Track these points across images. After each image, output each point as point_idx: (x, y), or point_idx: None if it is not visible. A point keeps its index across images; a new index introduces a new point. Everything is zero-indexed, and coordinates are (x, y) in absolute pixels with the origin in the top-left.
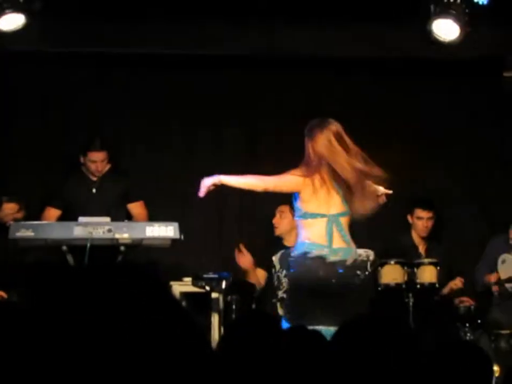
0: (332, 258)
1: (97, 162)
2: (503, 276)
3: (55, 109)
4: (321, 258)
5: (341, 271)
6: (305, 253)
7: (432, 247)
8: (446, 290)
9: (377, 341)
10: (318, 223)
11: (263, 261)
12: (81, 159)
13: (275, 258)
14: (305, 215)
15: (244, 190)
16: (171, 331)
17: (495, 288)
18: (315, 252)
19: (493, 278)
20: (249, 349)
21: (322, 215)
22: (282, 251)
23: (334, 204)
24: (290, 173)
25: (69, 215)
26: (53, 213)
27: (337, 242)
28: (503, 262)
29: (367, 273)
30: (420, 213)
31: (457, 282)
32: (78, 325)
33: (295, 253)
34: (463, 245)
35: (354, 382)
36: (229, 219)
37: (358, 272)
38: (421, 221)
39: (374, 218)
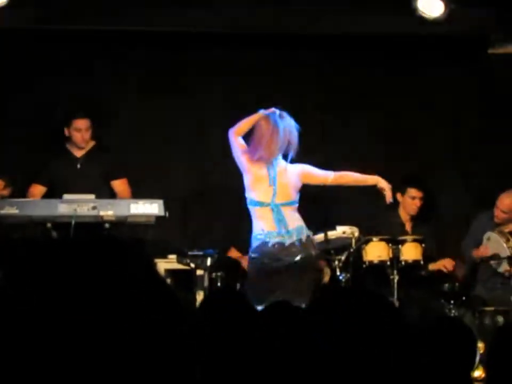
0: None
1: (82, 130)
2: (489, 253)
3: (38, 85)
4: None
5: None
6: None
7: (419, 225)
8: (434, 267)
9: (356, 313)
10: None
11: (243, 240)
12: (66, 132)
13: None
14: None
15: (226, 167)
16: (155, 306)
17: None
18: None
19: (480, 252)
20: (223, 326)
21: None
22: None
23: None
24: None
25: (54, 192)
26: (38, 189)
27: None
28: (488, 239)
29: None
30: (413, 192)
31: (447, 265)
32: (62, 300)
33: None
34: (449, 223)
35: (332, 356)
36: (213, 196)
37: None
38: (413, 200)
39: (361, 195)
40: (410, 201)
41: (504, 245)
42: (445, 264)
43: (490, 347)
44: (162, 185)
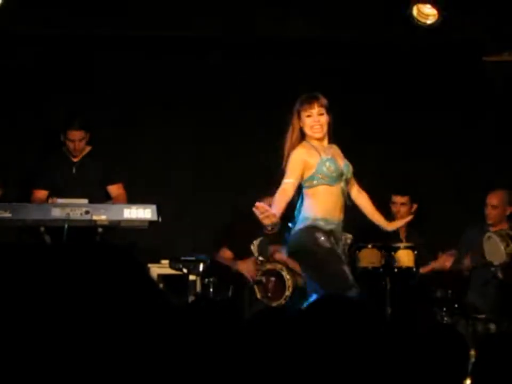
0: None
1: (75, 141)
2: (488, 256)
3: (31, 89)
4: None
5: None
6: None
7: (413, 233)
8: (425, 270)
9: (345, 321)
10: None
11: (243, 248)
12: (62, 138)
13: (253, 246)
14: None
15: (221, 171)
16: (147, 310)
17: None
18: None
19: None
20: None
21: None
22: (261, 238)
23: None
24: None
25: (51, 196)
26: (42, 194)
27: None
28: (488, 238)
29: None
30: (397, 198)
31: (444, 264)
32: (55, 303)
33: None
34: (443, 232)
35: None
36: (207, 201)
37: None
38: (394, 206)
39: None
40: (397, 209)
41: (502, 249)
42: (443, 264)
43: (477, 356)
44: (155, 190)
